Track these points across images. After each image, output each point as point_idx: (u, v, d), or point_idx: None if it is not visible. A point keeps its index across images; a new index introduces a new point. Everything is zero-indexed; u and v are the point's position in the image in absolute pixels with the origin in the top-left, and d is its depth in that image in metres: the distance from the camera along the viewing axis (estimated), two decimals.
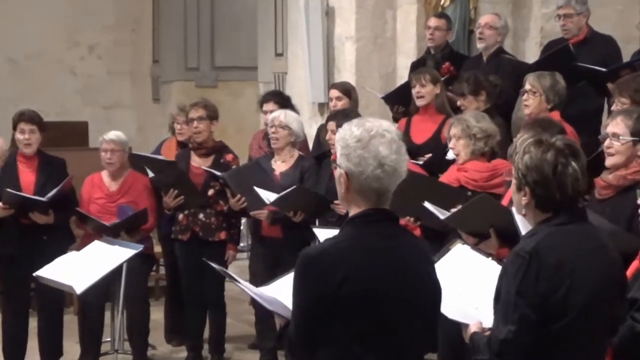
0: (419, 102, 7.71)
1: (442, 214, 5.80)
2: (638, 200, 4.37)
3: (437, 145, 7.34)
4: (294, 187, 7.15)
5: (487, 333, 3.86)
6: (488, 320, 3.93)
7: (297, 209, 7.22)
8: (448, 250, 4.67)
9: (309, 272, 3.41)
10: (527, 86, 6.95)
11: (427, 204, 5.92)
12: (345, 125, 3.51)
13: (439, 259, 4.54)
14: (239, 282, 4.14)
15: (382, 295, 3.43)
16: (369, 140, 3.42)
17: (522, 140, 3.83)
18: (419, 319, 3.52)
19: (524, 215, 3.82)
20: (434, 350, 5.98)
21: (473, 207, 5.57)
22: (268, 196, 7.13)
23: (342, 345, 3.42)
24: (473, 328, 3.94)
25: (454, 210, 5.83)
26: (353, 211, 3.51)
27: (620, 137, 5.08)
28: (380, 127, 3.46)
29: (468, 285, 4.34)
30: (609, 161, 5.16)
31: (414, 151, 7.22)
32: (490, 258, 4.57)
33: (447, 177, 6.53)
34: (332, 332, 3.42)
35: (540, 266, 3.59)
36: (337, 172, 3.51)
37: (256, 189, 7.17)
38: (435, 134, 7.56)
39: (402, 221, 6.12)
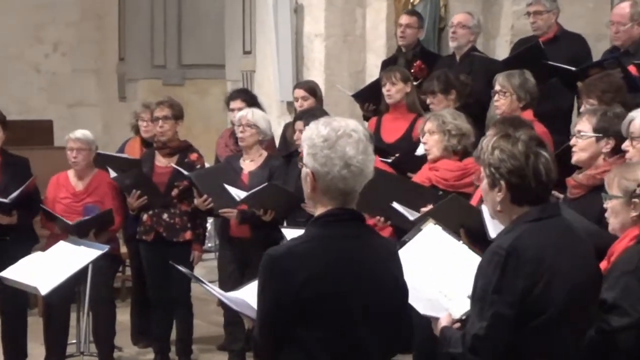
0: (389, 101, 7.69)
1: (411, 215, 5.76)
2: (604, 204, 4.37)
3: (408, 144, 7.29)
4: (266, 184, 7.09)
5: (457, 325, 3.90)
6: (456, 309, 3.96)
7: (267, 207, 7.15)
8: (419, 230, 4.62)
9: (273, 272, 3.40)
10: (497, 87, 6.93)
11: (395, 205, 5.89)
12: (312, 124, 3.50)
13: (410, 239, 4.53)
14: (206, 285, 4.11)
15: (346, 297, 3.42)
16: (336, 141, 3.41)
17: (487, 139, 3.80)
18: (384, 322, 3.51)
19: (500, 212, 3.78)
20: (407, 351, 5.96)
21: (443, 207, 5.54)
22: (238, 193, 7.07)
23: (306, 349, 3.40)
24: (443, 322, 3.95)
25: (424, 210, 5.79)
26: (319, 211, 3.50)
27: (582, 134, 5.21)
28: (347, 126, 3.45)
29: (438, 270, 4.32)
30: (573, 158, 5.28)
31: (384, 150, 7.17)
32: (461, 241, 4.55)
33: (419, 177, 6.48)
34: (295, 335, 3.40)
35: (518, 263, 3.59)
36: (304, 172, 3.50)
37: (226, 186, 7.10)
38: (406, 133, 7.52)
39: (372, 221, 6.08)
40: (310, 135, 3.46)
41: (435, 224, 4.61)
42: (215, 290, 4.09)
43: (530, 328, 3.61)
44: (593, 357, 4.01)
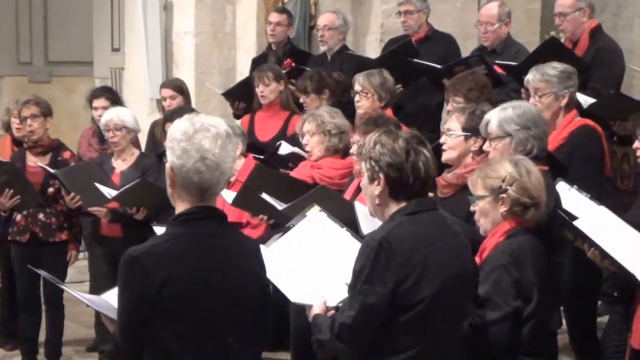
0: (264, 101, 7.69)
1: (280, 205, 5.76)
2: (472, 207, 4.45)
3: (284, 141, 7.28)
4: (138, 180, 7.01)
5: (331, 313, 3.95)
6: (333, 297, 4.00)
7: (139, 205, 7.06)
8: (304, 216, 4.65)
9: (131, 272, 3.39)
10: (357, 87, 6.95)
11: (264, 196, 5.89)
12: (176, 121, 3.51)
13: (294, 225, 4.57)
14: (68, 289, 4.16)
15: (207, 295, 3.42)
16: (193, 134, 3.41)
17: (369, 136, 3.87)
18: (247, 319, 3.51)
19: (378, 206, 3.84)
20: (271, 348, 6.01)
21: (312, 199, 5.54)
22: (110, 191, 6.97)
23: (167, 349, 3.39)
24: (316, 310, 3.99)
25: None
26: (179, 208, 3.49)
27: (451, 133, 5.31)
28: (208, 122, 3.46)
29: (319, 257, 4.33)
30: (443, 156, 5.36)
31: (259, 149, 7.15)
32: (345, 228, 4.55)
33: (300, 174, 6.46)
34: (157, 335, 3.39)
35: (390, 254, 3.65)
36: (166, 167, 3.50)
37: (97, 185, 7.00)
38: (281, 131, 7.54)
39: (255, 220, 6.05)
40: (172, 131, 3.47)
41: (320, 211, 4.62)
42: (76, 293, 4.09)
43: (402, 321, 3.68)
44: (466, 349, 4.07)
